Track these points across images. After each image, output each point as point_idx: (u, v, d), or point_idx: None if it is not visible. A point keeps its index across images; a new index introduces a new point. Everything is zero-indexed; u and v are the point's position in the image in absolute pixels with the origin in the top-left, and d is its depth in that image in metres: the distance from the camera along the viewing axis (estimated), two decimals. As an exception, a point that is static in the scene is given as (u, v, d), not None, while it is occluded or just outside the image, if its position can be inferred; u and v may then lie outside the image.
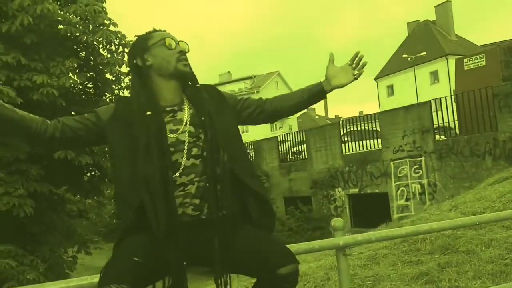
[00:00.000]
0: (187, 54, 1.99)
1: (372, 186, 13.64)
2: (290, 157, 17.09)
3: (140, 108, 1.85)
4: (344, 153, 14.70)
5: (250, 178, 1.92)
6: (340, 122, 15.86)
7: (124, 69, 9.87)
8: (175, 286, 1.74)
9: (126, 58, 9.65)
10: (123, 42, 9.53)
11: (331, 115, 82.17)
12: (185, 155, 1.83)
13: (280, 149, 17.26)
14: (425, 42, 43.38)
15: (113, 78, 10.03)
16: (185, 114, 1.91)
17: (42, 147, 1.82)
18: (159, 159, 1.77)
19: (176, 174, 1.81)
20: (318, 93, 2.12)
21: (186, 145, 1.84)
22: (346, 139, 15.02)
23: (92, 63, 9.87)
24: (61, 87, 8.49)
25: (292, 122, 61.28)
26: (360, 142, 14.29)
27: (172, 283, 1.74)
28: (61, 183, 10.62)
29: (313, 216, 14.97)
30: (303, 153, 16.34)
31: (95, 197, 11.41)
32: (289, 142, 17.17)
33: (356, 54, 2.12)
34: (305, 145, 16.10)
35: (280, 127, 57.43)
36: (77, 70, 9.56)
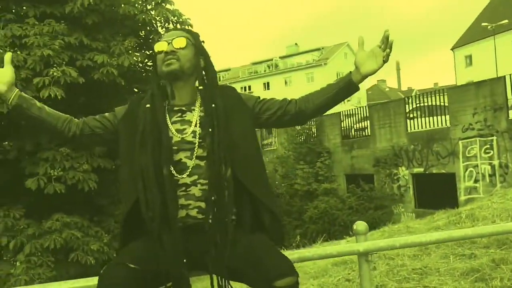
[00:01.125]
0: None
1: (438, 166, 12.98)
2: (353, 133, 16.64)
3: (144, 103, 1.89)
4: (409, 131, 14.07)
5: (257, 187, 1.87)
6: (406, 98, 15.13)
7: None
8: None
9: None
10: (181, 20, 9.58)
11: (404, 87, 79.05)
12: (189, 155, 1.81)
13: (342, 126, 16.86)
14: (507, 9, 40.16)
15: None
16: (195, 115, 1.88)
17: (65, 143, 1.96)
18: (153, 150, 1.78)
19: (179, 176, 1.79)
20: (346, 86, 1.98)
21: (191, 146, 1.82)
22: (412, 115, 14.35)
23: (150, 41, 10.04)
24: (120, 66, 8.72)
25: (361, 94, 59.67)
26: (427, 118, 13.57)
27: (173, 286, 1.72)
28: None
29: (375, 195, 14.57)
30: (366, 129, 15.84)
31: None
32: (352, 118, 16.71)
33: (385, 33, 1.94)
34: (368, 121, 15.58)
35: (348, 100, 56.14)
36: (137, 48, 9.75)
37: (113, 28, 9.36)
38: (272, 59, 58.07)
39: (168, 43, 1.88)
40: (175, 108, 1.90)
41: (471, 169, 11.82)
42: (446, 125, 12.82)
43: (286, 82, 54.75)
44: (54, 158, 8.52)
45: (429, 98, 13.81)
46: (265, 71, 57.28)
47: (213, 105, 1.87)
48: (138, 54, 9.37)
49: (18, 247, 8.48)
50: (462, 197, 11.97)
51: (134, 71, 10.24)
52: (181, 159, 1.81)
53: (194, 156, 1.82)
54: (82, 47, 8.70)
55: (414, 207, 13.93)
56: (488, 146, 11.40)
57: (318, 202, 15.05)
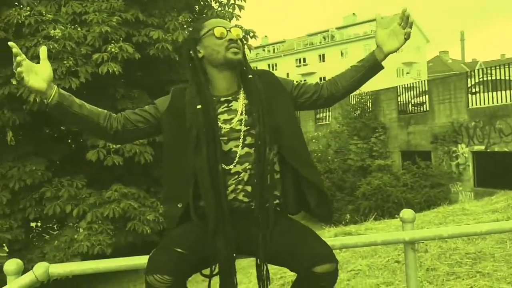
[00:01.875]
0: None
1: (500, 144, 12.35)
2: (410, 109, 16.09)
3: (192, 100, 1.86)
4: (470, 107, 13.43)
5: (304, 167, 1.90)
6: (469, 72, 14.38)
7: (235, 21, 9.96)
8: (224, 275, 1.78)
9: (236, 11, 9.72)
10: (234, -6, 9.56)
11: (468, 59, 75.22)
12: (240, 144, 1.84)
13: (399, 100, 16.34)
14: None
15: (225, 31, 10.17)
16: (240, 104, 1.89)
17: (108, 139, 1.91)
18: (209, 152, 1.79)
19: (231, 166, 1.84)
20: (372, 67, 2.01)
21: (241, 134, 1.85)
22: (475, 90, 13.65)
23: (204, 16, 10.09)
24: (174, 41, 8.85)
25: (420, 67, 57.45)
26: (491, 94, 12.87)
27: (220, 272, 1.78)
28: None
29: (431, 173, 14.12)
30: (424, 105, 15.26)
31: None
32: (410, 93, 16.15)
33: (404, 12, 1.96)
34: (427, 96, 15.00)
35: (407, 73, 54.25)
36: (191, 23, 9.83)
37: (168, 4, 9.47)
38: (328, 30, 56.79)
39: (227, 30, 1.87)
40: (222, 99, 1.90)
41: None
42: (511, 101, 12.13)
43: (342, 54, 53.51)
44: (113, 131, 8.87)
45: (494, 72, 13.07)
46: (320, 42, 56.17)
47: (257, 92, 1.88)
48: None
49: (80, 215, 8.99)
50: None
51: (188, 46, 10.35)
52: (231, 148, 1.84)
53: (244, 144, 1.85)
54: (138, 23, 8.88)
55: (473, 186, 13.41)
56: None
57: (371, 178, 14.81)
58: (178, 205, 1.83)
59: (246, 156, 1.84)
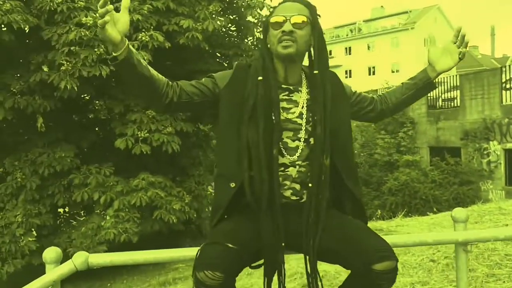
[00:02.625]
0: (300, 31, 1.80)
1: (535, 142, 12.02)
2: (440, 103, 15.76)
3: (255, 73, 1.83)
4: (504, 103, 13.04)
5: (350, 179, 1.86)
6: (503, 67, 13.96)
7: (266, 11, 9.82)
8: (272, 268, 1.75)
9: (267, 1, 9.59)
10: (264, -17, 9.41)
11: (498, 54, 73.28)
12: (291, 135, 1.80)
13: (429, 95, 15.99)
14: None
15: (255, 21, 10.07)
16: (302, 97, 1.85)
17: (161, 109, 1.84)
18: (265, 127, 1.73)
19: (285, 155, 1.79)
20: (424, 85, 2.02)
21: (295, 126, 1.81)
22: (509, 86, 13.25)
23: (234, 5, 9.99)
24: (204, 31, 8.78)
25: (449, 61, 56.14)
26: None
27: (268, 266, 1.74)
28: (206, 122, 11.32)
29: (461, 170, 13.83)
30: (455, 100, 14.91)
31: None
32: (440, 87, 15.77)
33: (459, 30, 1.90)
34: (458, 91, 14.63)
35: (435, 67, 53.10)
36: (221, 13, 9.76)
37: (199, -8, 9.40)
38: (355, 23, 56.07)
39: (286, 19, 1.78)
40: (283, 86, 1.86)
41: None
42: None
43: (368, 47, 52.79)
44: (141, 120, 8.89)
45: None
46: (347, 35, 55.54)
47: (323, 90, 1.83)
48: (222, 19, 9.36)
49: (108, 202, 9.06)
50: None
51: (217, 35, 10.29)
52: (283, 138, 1.79)
53: (296, 137, 1.80)
54: (168, 11, 8.84)
55: (504, 184, 13.07)
56: None
57: (398, 173, 14.59)
58: (231, 184, 1.76)
59: (295, 149, 1.79)
